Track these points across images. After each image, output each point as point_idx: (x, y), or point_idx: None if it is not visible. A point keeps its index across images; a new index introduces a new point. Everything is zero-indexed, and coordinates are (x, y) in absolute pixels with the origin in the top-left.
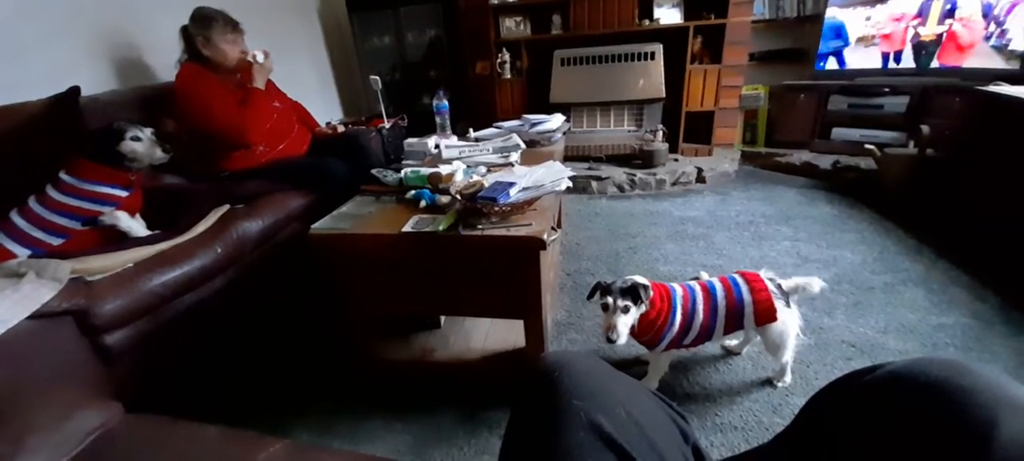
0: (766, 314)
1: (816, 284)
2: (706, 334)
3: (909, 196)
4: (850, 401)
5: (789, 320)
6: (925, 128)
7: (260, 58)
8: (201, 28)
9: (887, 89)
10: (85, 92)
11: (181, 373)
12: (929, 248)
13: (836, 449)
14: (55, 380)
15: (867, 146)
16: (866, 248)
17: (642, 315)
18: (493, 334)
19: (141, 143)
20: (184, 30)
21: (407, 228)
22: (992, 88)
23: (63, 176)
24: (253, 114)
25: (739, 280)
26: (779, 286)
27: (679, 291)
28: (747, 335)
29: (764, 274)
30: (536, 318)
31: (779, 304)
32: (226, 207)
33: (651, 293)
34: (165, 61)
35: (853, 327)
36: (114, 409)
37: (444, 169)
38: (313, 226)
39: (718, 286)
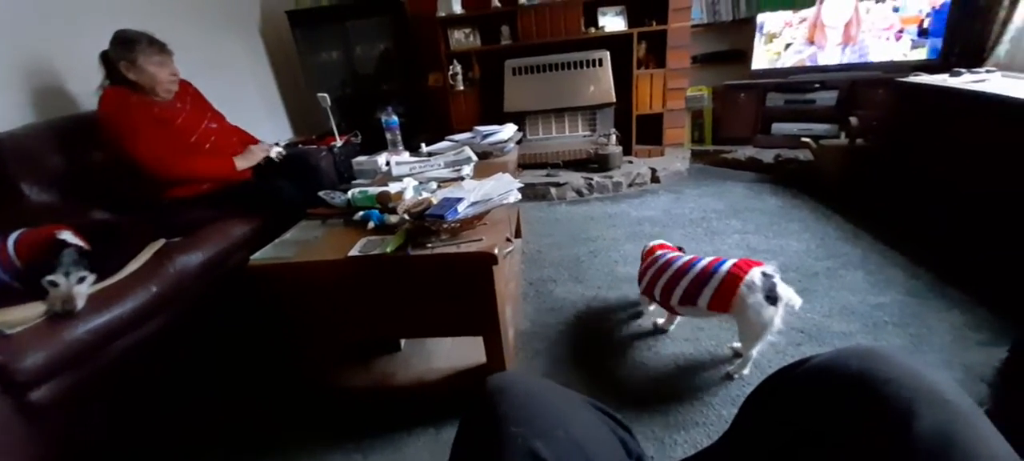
0: (720, 298)
1: (797, 302)
2: (680, 279)
3: (844, 184)
4: (783, 396)
5: (766, 317)
6: (853, 119)
7: (274, 155)
8: (124, 51)
9: (817, 85)
10: None
11: (123, 422)
12: (865, 231)
13: (774, 443)
14: None
15: (803, 139)
16: (809, 236)
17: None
18: (455, 352)
19: (56, 289)
20: (104, 55)
21: (354, 252)
22: (912, 79)
23: (10, 251)
24: (198, 166)
25: (728, 262)
26: (772, 286)
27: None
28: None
29: (766, 268)
30: (495, 333)
31: (753, 297)
32: (161, 242)
33: None
34: (88, 88)
35: (801, 313)
36: None
37: (393, 187)
38: (252, 257)
39: (709, 258)
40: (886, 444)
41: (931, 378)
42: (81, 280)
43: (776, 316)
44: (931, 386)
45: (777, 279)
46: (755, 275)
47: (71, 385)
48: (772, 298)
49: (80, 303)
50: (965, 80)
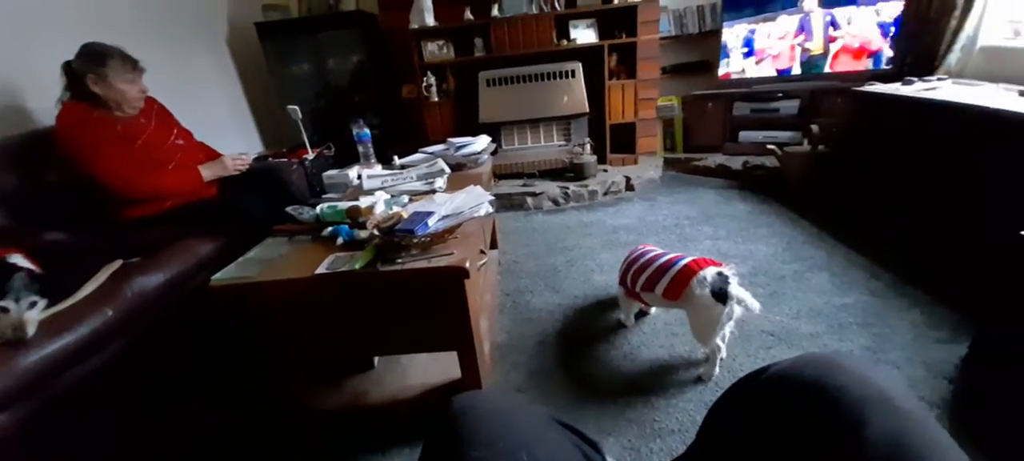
0: (674, 287)
1: (755, 306)
2: (647, 268)
3: (808, 189)
4: (744, 404)
5: (714, 314)
6: (814, 127)
7: (243, 167)
8: (94, 64)
9: (780, 94)
10: None
11: (84, 452)
12: (829, 235)
13: (737, 452)
14: None
15: (769, 146)
16: (777, 240)
17: None
18: (431, 368)
19: (6, 315)
20: (67, 66)
21: (321, 269)
22: (867, 88)
23: None
24: (163, 182)
25: (686, 258)
26: (724, 285)
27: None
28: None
29: (722, 269)
30: (469, 348)
31: (701, 290)
32: (118, 263)
33: None
34: (44, 104)
35: (770, 316)
36: None
37: (364, 202)
38: (214, 277)
39: (672, 253)
40: (838, 451)
41: (881, 384)
42: (32, 305)
43: (723, 314)
44: (882, 392)
45: (733, 281)
46: (709, 272)
47: (26, 416)
48: (721, 296)
49: (31, 330)
50: (917, 88)
